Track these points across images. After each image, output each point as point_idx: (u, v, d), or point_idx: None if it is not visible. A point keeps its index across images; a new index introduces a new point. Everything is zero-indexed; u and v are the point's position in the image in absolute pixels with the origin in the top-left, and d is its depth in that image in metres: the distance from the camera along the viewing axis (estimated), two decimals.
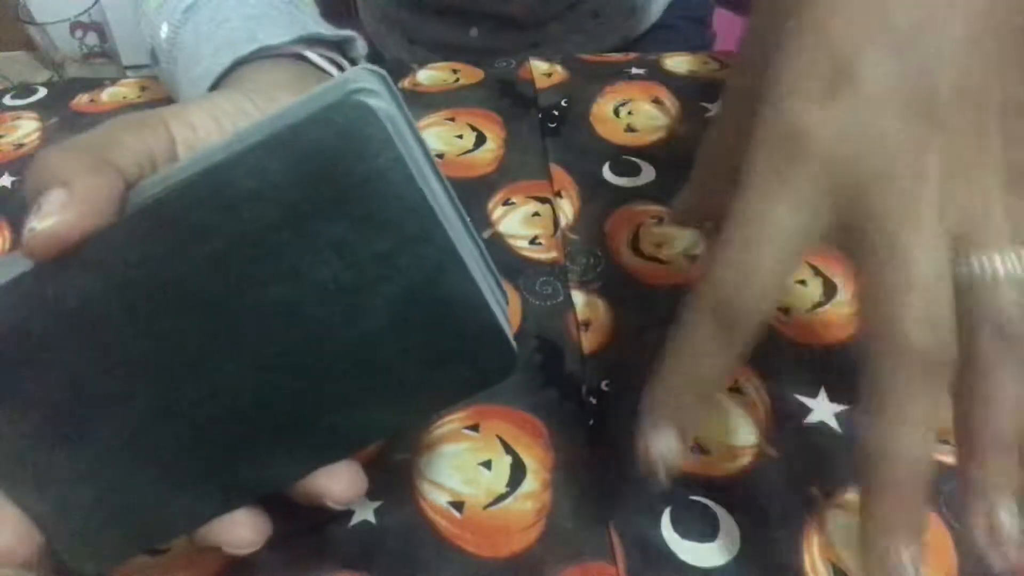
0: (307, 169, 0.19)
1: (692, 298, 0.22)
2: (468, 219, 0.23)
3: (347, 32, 0.35)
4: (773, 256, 0.20)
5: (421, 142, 0.21)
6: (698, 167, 0.29)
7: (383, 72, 0.20)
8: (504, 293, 0.24)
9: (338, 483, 0.22)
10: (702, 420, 0.29)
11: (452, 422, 0.30)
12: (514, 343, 0.21)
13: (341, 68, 0.35)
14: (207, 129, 0.24)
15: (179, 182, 0.19)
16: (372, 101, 0.18)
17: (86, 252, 0.19)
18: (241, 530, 0.22)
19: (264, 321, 0.20)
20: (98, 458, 0.21)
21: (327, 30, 0.34)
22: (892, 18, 0.20)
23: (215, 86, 0.31)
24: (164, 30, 0.35)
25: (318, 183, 0.19)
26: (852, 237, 0.21)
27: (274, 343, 0.20)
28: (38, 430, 0.21)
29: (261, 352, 0.20)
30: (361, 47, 0.36)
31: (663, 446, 0.22)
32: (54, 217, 0.18)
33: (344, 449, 0.22)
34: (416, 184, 0.19)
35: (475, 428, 0.30)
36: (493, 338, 0.21)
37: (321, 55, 0.34)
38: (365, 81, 0.19)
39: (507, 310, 0.23)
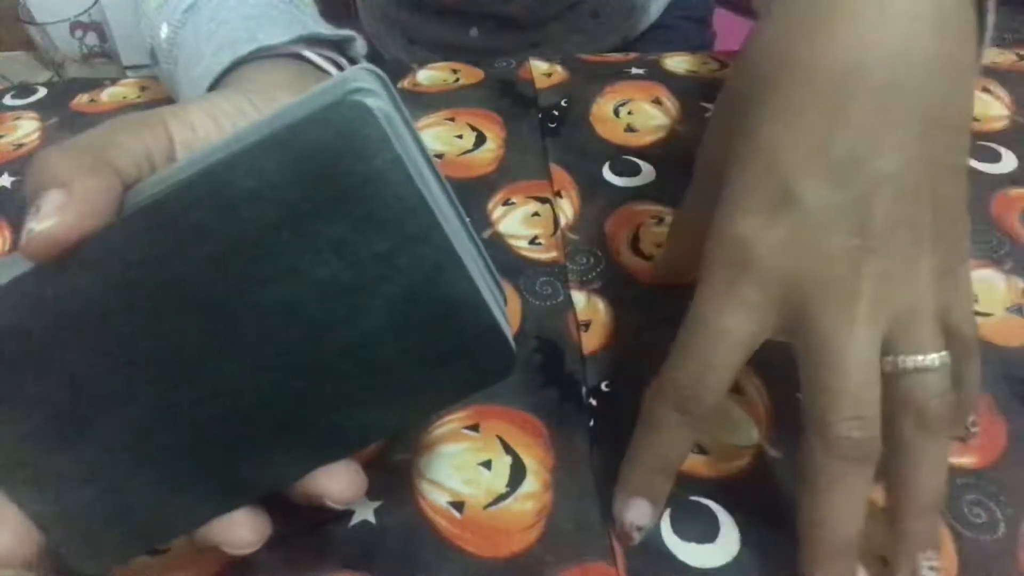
0: (306, 169, 0.19)
1: (655, 389, 0.25)
2: (467, 219, 0.23)
3: (347, 32, 0.35)
4: (724, 355, 0.24)
5: (419, 142, 0.21)
6: (680, 219, 0.32)
7: (380, 72, 0.20)
8: (503, 293, 0.24)
9: (337, 483, 0.22)
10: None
11: (452, 422, 0.30)
12: (513, 343, 0.21)
13: (341, 68, 0.35)
14: (206, 129, 0.24)
15: (178, 182, 0.19)
16: (370, 101, 0.18)
17: (85, 253, 0.19)
18: (240, 530, 0.22)
19: (264, 321, 0.20)
20: (98, 458, 0.21)
21: (327, 30, 0.34)
22: (832, 151, 0.23)
23: (214, 86, 0.31)
24: (164, 30, 0.35)
25: (317, 183, 0.19)
26: (795, 339, 0.24)
27: (274, 343, 0.20)
28: (38, 430, 0.21)
29: (261, 352, 0.20)
30: (361, 47, 0.36)
31: (637, 516, 0.26)
32: (52, 218, 0.18)
33: (344, 449, 0.22)
34: (414, 184, 0.19)
35: (475, 428, 0.30)
36: (491, 338, 0.21)
37: (320, 55, 0.34)
38: (363, 81, 0.19)
39: (506, 310, 0.23)
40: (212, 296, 0.20)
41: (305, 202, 0.19)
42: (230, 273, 0.20)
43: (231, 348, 0.20)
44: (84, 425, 0.21)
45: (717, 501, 0.27)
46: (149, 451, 0.21)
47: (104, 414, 0.21)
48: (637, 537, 0.26)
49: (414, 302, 0.20)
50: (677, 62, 0.49)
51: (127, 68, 0.68)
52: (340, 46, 0.36)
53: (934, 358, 0.23)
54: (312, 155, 0.18)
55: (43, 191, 0.19)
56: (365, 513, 0.28)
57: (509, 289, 0.35)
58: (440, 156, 0.42)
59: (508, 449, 0.29)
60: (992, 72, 0.47)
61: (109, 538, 0.22)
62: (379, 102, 0.19)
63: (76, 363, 0.20)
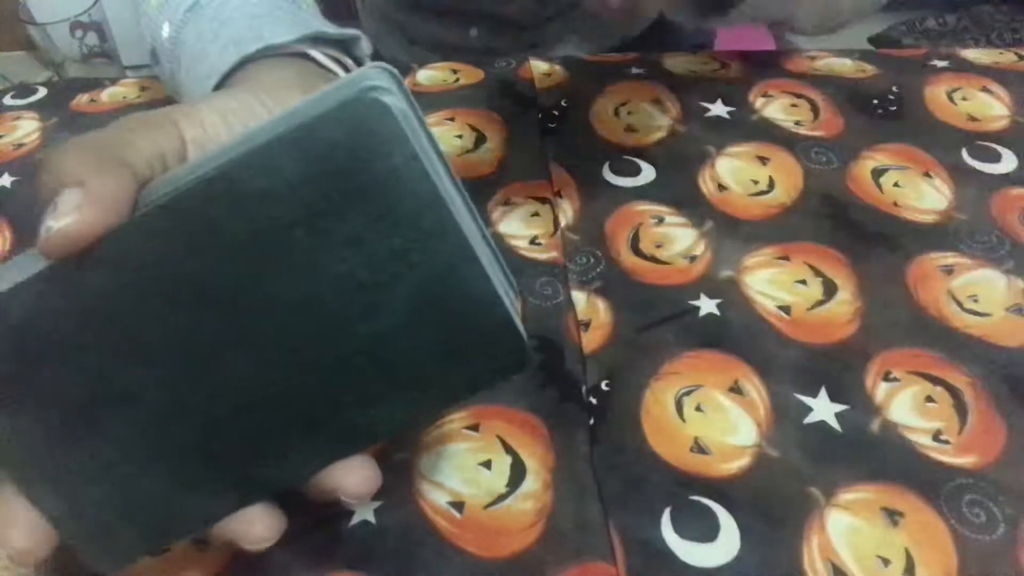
0: (322, 166, 0.19)
1: None
2: (478, 216, 0.23)
3: (352, 31, 0.35)
4: None
5: (432, 139, 0.21)
6: None
7: (394, 70, 0.20)
8: (515, 289, 0.24)
9: (352, 478, 0.22)
10: (702, 420, 0.29)
11: (452, 422, 0.30)
12: (527, 338, 0.21)
13: (346, 67, 0.35)
14: (216, 128, 0.24)
15: (192, 180, 0.19)
16: (386, 98, 0.18)
17: (100, 250, 0.19)
18: (256, 527, 0.22)
19: (279, 318, 0.20)
20: (114, 456, 0.21)
21: (332, 29, 0.34)
22: None
23: (220, 85, 0.31)
24: (166, 30, 0.35)
25: (333, 180, 0.19)
26: None
27: (289, 339, 0.20)
28: (55, 429, 0.21)
29: (276, 349, 0.20)
30: (366, 46, 0.36)
31: None
32: (70, 216, 0.19)
33: (357, 445, 0.22)
34: (431, 181, 0.19)
35: (475, 428, 0.30)
36: (506, 333, 0.21)
37: (326, 54, 0.34)
38: (377, 79, 0.19)
39: (518, 305, 0.23)
40: (227, 294, 0.20)
41: (321, 199, 0.19)
42: (245, 271, 0.20)
43: (246, 345, 0.20)
44: (98, 422, 0.21)
45: (717, 501, 0.27)
46: (163, 448, 0.21)
47: (118, 411, 0.21)
48: None
49: (429, 298, 0.20)
50: (677, 62, 0.49)
51: (127, 68, 0.68)
52: (345, 45, 0.36)
53: None
54: (327, 152, 0.19)
55: (59, 189, 0.19)
56: (365, 513, 0.28)
57: None
58: None
59: (508, 449, 0.29)
60: (992, 72, 0.47)
61: (123, 536, 0.22)
62: (394, 99, 0.19)
63: (91, 360, 0.20)
